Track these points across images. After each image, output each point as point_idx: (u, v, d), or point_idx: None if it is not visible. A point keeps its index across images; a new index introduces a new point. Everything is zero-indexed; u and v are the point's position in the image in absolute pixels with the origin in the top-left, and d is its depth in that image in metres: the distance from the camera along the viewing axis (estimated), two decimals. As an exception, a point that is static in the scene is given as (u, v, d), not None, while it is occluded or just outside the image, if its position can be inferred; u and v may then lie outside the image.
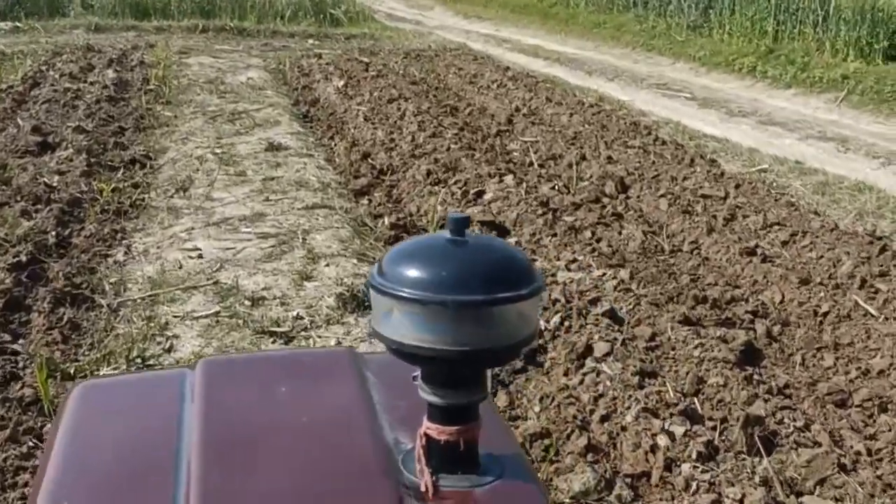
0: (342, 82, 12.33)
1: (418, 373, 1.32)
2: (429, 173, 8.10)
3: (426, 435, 1.30)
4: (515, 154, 9.35)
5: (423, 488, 1.27)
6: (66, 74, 11.27)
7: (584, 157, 9.05)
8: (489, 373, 1.39)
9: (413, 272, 1.24)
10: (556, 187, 7.91)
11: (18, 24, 16.07)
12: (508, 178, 7.88)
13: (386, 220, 7.09)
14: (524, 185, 7.78)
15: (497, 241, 1.60)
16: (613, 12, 19.99)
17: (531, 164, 8.88)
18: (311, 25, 18.71)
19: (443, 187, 7.74)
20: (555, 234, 6.64)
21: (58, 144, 8.53)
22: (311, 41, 16.71)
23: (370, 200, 7.72)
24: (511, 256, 1.34)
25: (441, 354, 1.24)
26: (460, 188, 7.67)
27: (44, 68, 11.97)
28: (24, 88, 10.70)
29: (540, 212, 7.06)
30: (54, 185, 7.28)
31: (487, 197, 7.50)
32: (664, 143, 9.81)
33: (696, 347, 4.93)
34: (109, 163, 8.25)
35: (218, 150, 8.93)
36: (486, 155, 8.88)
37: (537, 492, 1.36)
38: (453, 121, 10.45)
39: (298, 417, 1.49)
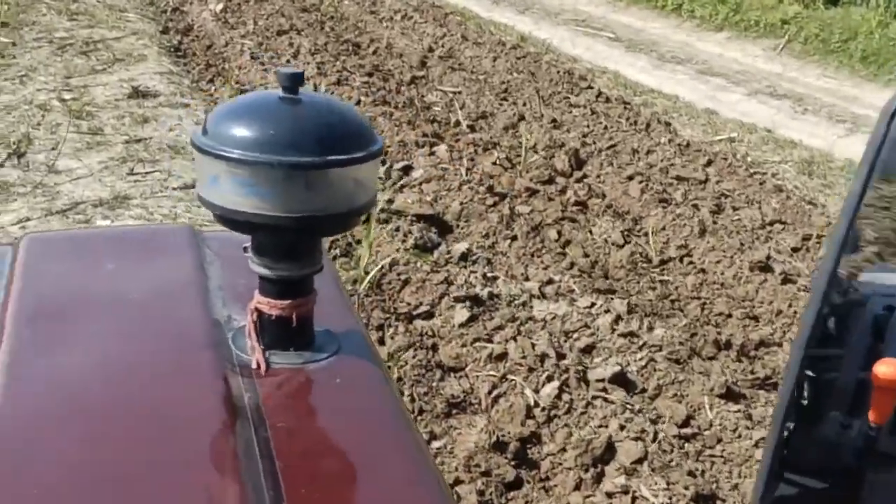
0: (220, 5, 10.44)
1: (249, 244, 1.22)
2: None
3: (257, 310, 1.22)
4: (437, 110, 7.72)
5: (253, 365, 1.19)
6: None
7: (522, 118, 7.51)
8: (323, 243, 1.26)
9: (240, 131, 1.14)
10: (499, 161, 6.34)
11: None
12: (441, 149, 6.26)
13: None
14: (462, 158, 6.18)
15: (334, 100, 1.42)
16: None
17: (458, 124, 7.27)
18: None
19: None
20: (514, 238, 5.10)
21: None
22: None
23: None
24: (348, 116, 1.23)
25: (270, 221, 1.15)
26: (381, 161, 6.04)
27: None
28: None
29: (490, 201, 5.51)
30: None
31: (417, 175, 5.88)
32: (608, 100, 8.34)
33: (751, 441, 3.52)
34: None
35: (67, 96, 7.03)
36: (404, 112, 7.20)
37: (375, 368, 1.28)
38: (358, 62, 8.72)
39: (126, 292, 1.37)
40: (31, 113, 6.62)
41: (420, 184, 5.74)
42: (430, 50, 9.69)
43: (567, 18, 13.10)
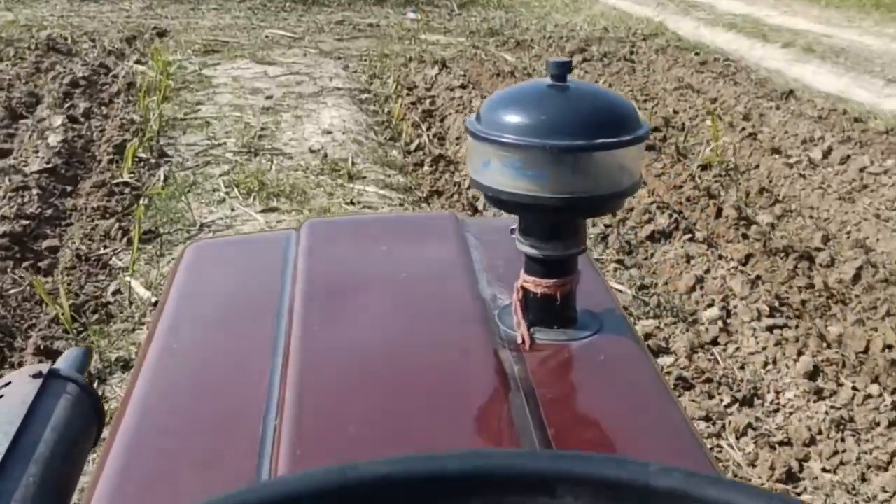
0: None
1: (516, 225, 1.26)
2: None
3: (523, 288, 1.25)
4: None
5: (519, 340, 1.23)
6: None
7: None
8: (587, 225, 1.30)
9: (512, 117, 1.18)
10: None
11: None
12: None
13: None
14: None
15: (601, 88, 1.38)
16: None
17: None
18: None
19: None
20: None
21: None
22: (410, 13, 11.58)
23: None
24: (615, 102, 1.23)
25: (539, 202, 1.18)
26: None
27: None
28: None
29: None
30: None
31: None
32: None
33: None
34: None
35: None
36: None
37: (637, 347, 1.28)
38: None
39: (398, 273, 1.46)
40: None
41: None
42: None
43: None
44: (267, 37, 9.56)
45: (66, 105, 6.49)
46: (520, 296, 1.25)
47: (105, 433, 1.18)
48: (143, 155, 5.60)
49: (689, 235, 4.40)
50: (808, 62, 9.23)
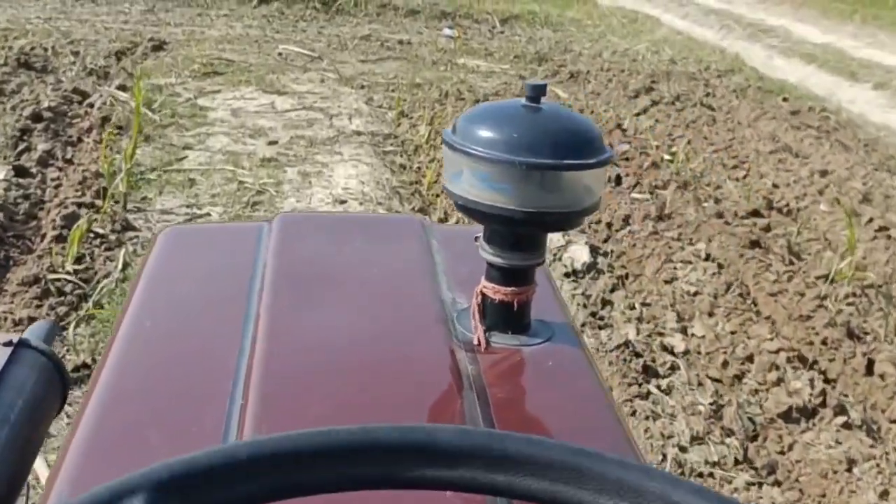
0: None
1: (481, 234, 1.34)
2: None
3: (482, 293, 1.33)
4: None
5: (475, 342, 1.31)
6: None
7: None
8: (548, 239, 1.39)
9: (486, 132, 1.27)
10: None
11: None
12: None
13: None
14: None
15: (571, 111, 1.53)
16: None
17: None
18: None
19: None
20: None
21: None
22: (446, 29, 9.90)
23: None
24: (583, 126, 1.32)
25: (505, 213, 1.26)
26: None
27: None
28: None
29: None
30: None
31: None
32: None
33: None
34: None
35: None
36: None
37: (585, 358, 1.35)
38: None
39: (364, 270, 1.55)
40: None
41: None
42: None
43: None
44: (280, 54, 8.20)
45: (21, 147, 5.21)
46: (479, 300, 1.32)
47: (68, 404, 1.34)
48: (99, 230, 4.33)
49: (843, 417, 3.11)
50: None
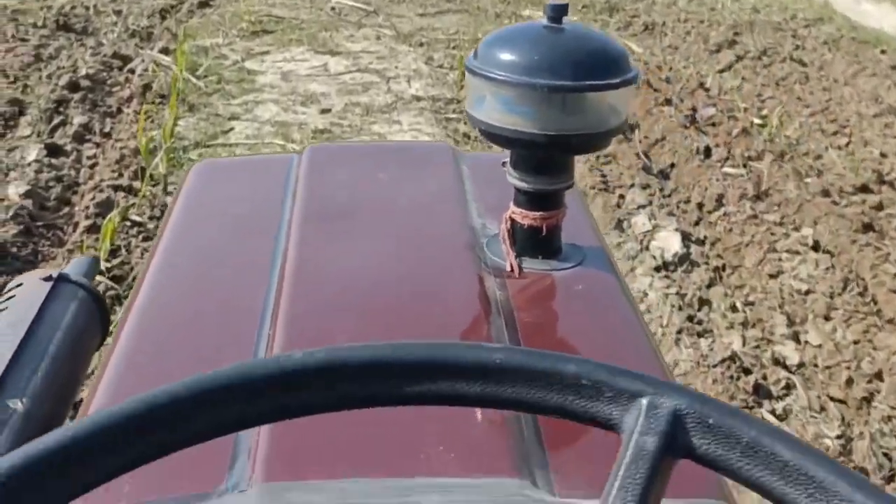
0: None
1: (507, 159, 1.32)
2: None
3: (511, 219, 1.33)
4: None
5: (507, 267, 1.30)
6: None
7: None
8: (575, 161, 1.36)
9: (506, 55, 1.24)
10: None
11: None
12: None
13: None
14: None
15: (594, 30, 1.48)
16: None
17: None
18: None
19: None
20: None
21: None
22: None
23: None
24: (607, 45, 1.30)
25: (528, 137, 1.25)
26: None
27: None
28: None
29: None
30: None
31: None
32: None
33: None
34: None
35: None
36: None
37: (615, 280, 1.34)
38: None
39: (393, 198, 1.54)
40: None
41: None
42: None
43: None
44: (333, 9, 7.68)
45: (55, 121, 4.82)
46: (508, 226, 1.32)
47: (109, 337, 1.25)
48: (136, 217, 3.94)
49: None
50: None
